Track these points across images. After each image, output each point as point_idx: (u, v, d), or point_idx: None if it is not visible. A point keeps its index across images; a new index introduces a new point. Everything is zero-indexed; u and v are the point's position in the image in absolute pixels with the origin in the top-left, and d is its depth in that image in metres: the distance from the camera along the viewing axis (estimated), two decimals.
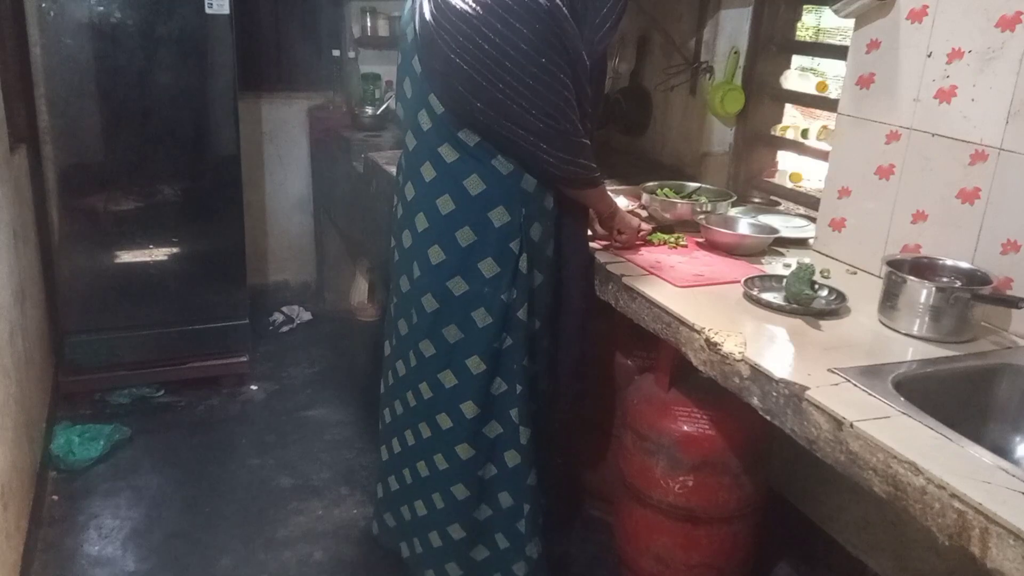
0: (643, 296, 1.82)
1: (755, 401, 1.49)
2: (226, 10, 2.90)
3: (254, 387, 3.28)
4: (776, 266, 2.05)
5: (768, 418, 1.47)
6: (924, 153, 1.90)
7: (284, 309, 3.93)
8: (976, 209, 1.78)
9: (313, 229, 4.14)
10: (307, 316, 3.93)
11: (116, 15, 2.80)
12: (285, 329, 3.84)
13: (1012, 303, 1.61)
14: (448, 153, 1.83)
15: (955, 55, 1.81)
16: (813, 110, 2.90)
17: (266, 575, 2.27)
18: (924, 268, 1.74)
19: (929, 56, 1.87)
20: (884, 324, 1.69)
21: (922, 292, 1.61)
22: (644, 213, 2.37)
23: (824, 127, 2.52)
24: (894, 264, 1.71)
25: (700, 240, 2.20)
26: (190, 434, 2.94)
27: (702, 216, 2.21)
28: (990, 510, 1.07)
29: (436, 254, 1.87)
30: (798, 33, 2.72)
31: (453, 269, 1.86)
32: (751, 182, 2.75)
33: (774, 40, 2.63)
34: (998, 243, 1.73)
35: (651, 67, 3.14)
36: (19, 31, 2.75)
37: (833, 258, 2.14)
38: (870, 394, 1.37)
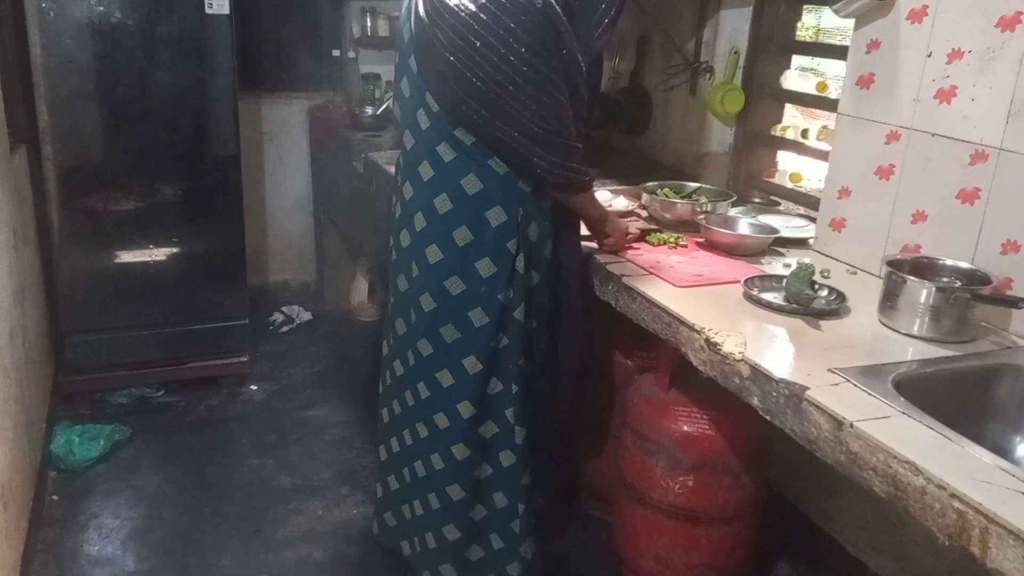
0: (643, 296, 1.82)
1: (755, 401, 1.49)
2: (226, 10, 2.90)
3: (254, 387, 3.28)
4: (776, 266, 2.05)
5: (768, 418, 1.47)
6: (924, 153, 1.90)
7: (284, 309, 3.93)
8: (976, 209, 1.78)
9: (313, 229, 4.14)
10: (307, 316, 3.93)
11: (116, 15, 2.80)
12: (285, 329, 3.84)
13: (1012, 303, 1.61)
14: (446, 152, 1.83)
15: (955, 55, 1.81)
16: (813, 110, 2.90)
17: (266, 575, 2.27)
18: (924, 268, 1.74)
19: (929, 56, 1.87)
20: (884, 324, 1.69)
21: (922, 292, 1.61)
22: (644, 213, 2.37)
23: (824, 127, 2.52)
24: (894, 264, 1.71)
25: (700, 240, 2.20)
26: (190, 434, 2.94)
27: (702, 216, 2.21)
28: (990, 510, 1.07)
29: (434, 253, 1.87)
30: (798, 33, 2.72)
31: (450, 268, 1.86)
32: (751, 182, 2.75)
33: (774, 40, 2.63)
34: (998, 243, 1.73)
35: (651, 67, 3.14)
36: (19, 31, 2.75)
37: (833, 258, 2.14)
38: (870, 394, 1.36)
